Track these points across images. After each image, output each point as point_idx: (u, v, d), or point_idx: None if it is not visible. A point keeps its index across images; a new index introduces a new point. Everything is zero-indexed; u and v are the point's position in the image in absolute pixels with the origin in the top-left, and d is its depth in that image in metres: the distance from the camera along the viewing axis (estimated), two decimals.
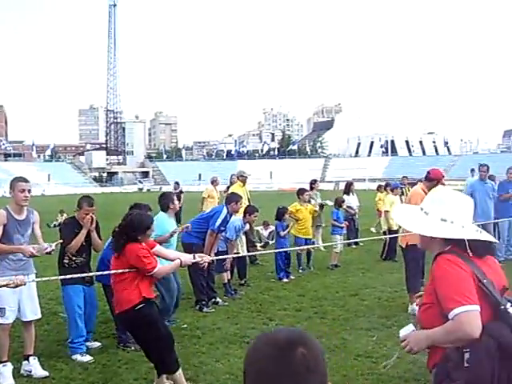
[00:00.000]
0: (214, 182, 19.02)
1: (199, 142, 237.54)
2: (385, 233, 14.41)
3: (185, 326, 8.31)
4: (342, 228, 13.92)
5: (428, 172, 9.23)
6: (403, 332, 3.07)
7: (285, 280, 11.63)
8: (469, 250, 2.84)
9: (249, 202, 14.37)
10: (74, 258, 7.02)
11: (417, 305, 3.40)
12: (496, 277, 2.90)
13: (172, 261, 6.00)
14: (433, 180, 8.99)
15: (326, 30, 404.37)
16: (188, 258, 6.07)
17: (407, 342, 2.98)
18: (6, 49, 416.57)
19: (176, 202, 8.93)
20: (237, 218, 10.79)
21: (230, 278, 10.64)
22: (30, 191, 6.39)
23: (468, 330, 2.66)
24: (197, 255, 6.20)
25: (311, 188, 15.35)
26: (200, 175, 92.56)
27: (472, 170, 23.38)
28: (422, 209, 3.05)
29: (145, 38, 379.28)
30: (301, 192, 13.01)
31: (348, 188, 17.49)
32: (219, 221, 9.54)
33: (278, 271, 11.87)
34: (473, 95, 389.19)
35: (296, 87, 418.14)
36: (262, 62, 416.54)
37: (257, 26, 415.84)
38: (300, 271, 12.62)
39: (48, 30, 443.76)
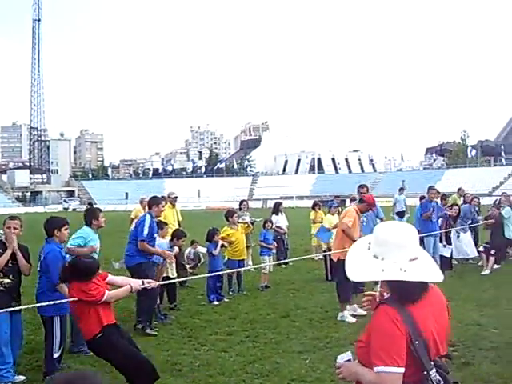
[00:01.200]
0: (142, 203, 18.74)
1: (126, 161, 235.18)
2: (325, 251, 14.44)
3: None
4: (270, 249, 13.94)
5: (363, 196, 10.30)
6: (339, 359, 3.09)
7: (215, 303, 11.52)
8: (411, 301, 2.83)
9: (179, 224, 14.23)
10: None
11: (363, 304, 3.46)
12: (438, 326, 2.91)
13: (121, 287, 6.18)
14: (365, 203, 10.05)
15: (252, 48, 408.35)
16: (138, 284, 6.25)
17: (341, 371, 3.02)
18: None
19: (102, 217, 8.76)
20: (164, 242, 10.75)
21: (159, 302, 10.43)
22: None
23: None
24: (145, 281, 6.39)
25: (240, 208, 15.46)
26: (127, 194, 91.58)
27: (400, 189, 23.67)
28: (369, 243, 2.99)
29: (70, 53, 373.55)
30: (229, 214, 12.97)
31: (277, 208, 17.66)
32: (146, 229, 9.56)
33: (208, 294, 11.74)
34: (396, 113, 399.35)
35: (223, 105, 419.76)
36: (189, 79, 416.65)
37: (183, 42, 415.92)
38: (230, 293, 12.53)
39: None
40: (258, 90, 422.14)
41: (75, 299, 5.83)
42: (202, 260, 16.01)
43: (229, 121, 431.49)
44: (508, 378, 6.69)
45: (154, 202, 10.21)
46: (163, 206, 10.49)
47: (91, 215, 8.69)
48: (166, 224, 11.51)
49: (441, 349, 2.91)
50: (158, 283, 6.93)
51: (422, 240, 14.31)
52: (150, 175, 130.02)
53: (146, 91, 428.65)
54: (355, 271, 2.91)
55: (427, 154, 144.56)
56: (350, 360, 3.06)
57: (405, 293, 2.82)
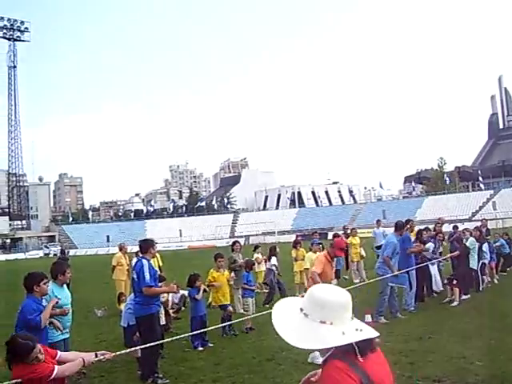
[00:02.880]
0: (122, 249, 18.68)
1: (106, 203, 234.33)
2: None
3: None
4: (252, 291, 13.90)
5: (334, 241, 10.86)
6: None
7: (200, 348, 11.40)
8: (358, 355, 2.77)
9: (160, 269, 14.18)
10: None
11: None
12: (385, 378, 2.91)
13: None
14: (334, 248, 10.58)
15: (228, 84, 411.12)
16: (90, 357, 5.84)
17: None
18: None
19: (68, 273, 8.62)
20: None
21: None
22: None
23: None
24: (99, 353, 5.97)
25: (232, 250, 15.55)
26: (108, 237, 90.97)
27: (377, 221, 23.73)
28: (301, 309, 2.86)
29: (46, 97, 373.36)
30: (216, 257, 12.95)
31: (274, 251, 17.87)
32: (147, 274, 9.40)
33: (193, 340, 11.62)
34: (373, 143, 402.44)
35: (201, 144, 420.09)
36: (166, 118, 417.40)
37: (158, 82, 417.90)
38: (225, 335, 12.40)
39: None
40: (235, 127, 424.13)
41: (19, 381, 5.26)
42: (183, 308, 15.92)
43: (207, 159, 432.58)
44: None
45: (149, 245, 10.05)
46: (155, 250, 10.44)
47: (58, 270, 8.49)
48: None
49: None
50: (112, 354, 6.27)
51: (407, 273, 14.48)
52: (131, 217, 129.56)
53: (123, 132, 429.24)
54: (311, 341, 2.78)
55: (406, 183, 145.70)
56: None
57: (355, 349, 2.76)
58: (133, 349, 9.26)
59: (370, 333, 2.83)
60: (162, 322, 11.09)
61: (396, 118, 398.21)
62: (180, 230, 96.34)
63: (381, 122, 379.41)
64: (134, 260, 11.54)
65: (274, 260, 17.90)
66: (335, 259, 18.25)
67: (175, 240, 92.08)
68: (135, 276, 9.81)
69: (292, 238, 20.44)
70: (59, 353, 5.86)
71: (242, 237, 78.02)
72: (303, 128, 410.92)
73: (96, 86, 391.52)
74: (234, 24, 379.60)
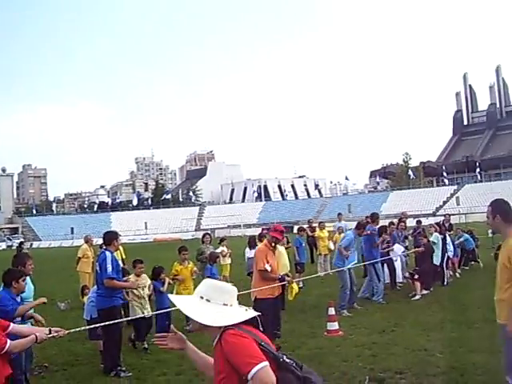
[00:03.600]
0: (88, 241, 18.51)
1: (71, 194, 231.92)
2: None
3: None
4: None
5: (273, 227, 10.76)
6: None
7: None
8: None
9: (123, 262, 14.09)
10: None
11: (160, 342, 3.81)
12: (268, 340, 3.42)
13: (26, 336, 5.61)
14: (270, 236, 10.47)
15: (195, 77, 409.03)
16: (44, 333, 5.67)
17: None
18: None
19: (30, 264, 8.48)
20: None
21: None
22: None
23: (269, 381, 3.09)
24: (52, 329, 5.80)
25: (203, 242, 15.68)
26: (72, 229, 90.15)
27: (339, 214, 23.80)
28: (202, 297, 3.42)
29: (8, 86, 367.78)
30: (180, 250, 12.90)
31: (254, 241, 17.76)
32: (109, 266, 9.36)
33: (157, 333, 11.51)
34: (339, 137, 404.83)
35: (168, 136, 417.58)
36: (132, 109, 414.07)
37: (125, 74, 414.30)
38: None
39: None
40: (202, 120, 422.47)
41: None
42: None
43: (174, 151, 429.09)
44: None
45: (112, 237, 10.02)
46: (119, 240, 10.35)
47: (19, 262, 8.37)
48: (141, 262, 11.52)
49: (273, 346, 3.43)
50: (66, 332, 6.11)
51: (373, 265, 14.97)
52: (96, 209, 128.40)
53: (89, 123, 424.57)
54: (223, 319, 3.33)
55: (371, 177, 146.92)
56: None
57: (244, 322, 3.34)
58: (88, 327, 9.29)
59: (253, 312, 3.43)
60: (149, 312, 11.06)
61: (362, 114, 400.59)
62: (145, 223, 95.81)
63: (347, 117, 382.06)
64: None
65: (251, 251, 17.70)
66: (301, 252, 18.47)
67: (140, 232, 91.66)
68: (98, 268, 9.78)
69: (258, 231, 20.56)
70: (12, 324, 5.77)
71: (207, 230, 77.69)
72: (270, 122, 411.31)
73: (61, 77, 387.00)
74: (200, 16, 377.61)
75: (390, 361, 8.81)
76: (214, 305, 3.39)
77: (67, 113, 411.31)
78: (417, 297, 14.95)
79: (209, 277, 13.54)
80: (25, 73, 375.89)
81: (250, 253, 17.45)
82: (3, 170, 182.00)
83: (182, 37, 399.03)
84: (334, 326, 11.11)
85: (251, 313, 3.44)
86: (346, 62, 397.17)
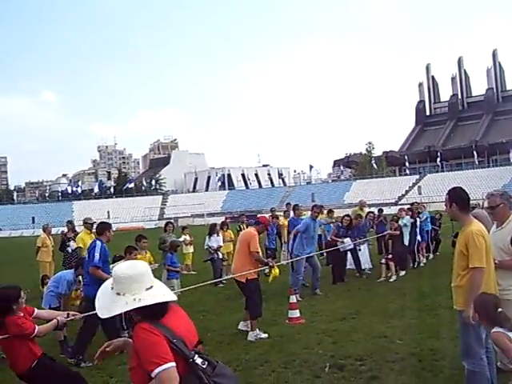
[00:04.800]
0: (46, 230, 18.29)
1: (32, 183, 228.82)
2: None
3: None
4: (177, 272, 13.79)
5: (257, 218, 11.18)
6: None
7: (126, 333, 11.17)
8: (157, 316, 3.35)
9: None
10: None
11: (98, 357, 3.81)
12: (187, 328, 3.51)
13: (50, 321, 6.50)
14: (261, 225, 10.85)
15: (158, 64, 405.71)
16: (63, 317, 6.61)
17: None
18: None
19: None
20: (69, 272, 10.51)
21: (65, 334, 10.09)
22: None
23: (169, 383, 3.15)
24: (70, 313, 6.84)
25: (165, 230, 15.77)
26: (34, 219, 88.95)
27: (287, 204, 23.31)
28: (112, 287, 3.41)
29: None
30: (138, 239, 12.77)
31: (212, 229, 17.73)
32: (97, 255, 9.40)
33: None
34: (303, 127, 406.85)
35: (131, 124, 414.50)
36: (95, 97, 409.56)
37: (90, 60, 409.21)
38: None
39: None
40: (165, 108, 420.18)
41: (5, 336, 6.05)
42: None
43: (137, 140, 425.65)
44: None
45: (105, 228, 10.07)
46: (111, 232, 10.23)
47: None
48: (136, 249, 11.53)
49: (193, 339, 3.50)
50: (81, 315, 7.09)
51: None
52: (58, 198, 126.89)
53: (51, 111, 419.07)
54: (104, 309, 3.37)
55: (335, 167, 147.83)
56: None
57: (151, 313, 3.33)
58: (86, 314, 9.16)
59: (164, 297, 3.40)
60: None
61: (326, 103, 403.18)
62: (108, 212, 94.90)
63: (311, 106, 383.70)
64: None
65: (213, 238, 17.70)
66: (272, 239, 18.68)
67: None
68: (86, 256, 9.89)
69: (221, 220, 20.48)
70: (36, 310, 6.64)
71: (170, 219, 77.31)
72: (234, 110, 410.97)
73: (23, 66, 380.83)
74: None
75: (351, 348, 8.88)
76: (113, 294, 3.37)
77: (29, 101, 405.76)
78: (393, 277, 15.54)
79: (169, 265, 13.52)
80: None
81: (209, 240, 17.48)
82: None
83: (149, 20, 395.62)
84: (296, 313, 11.17)
85: (158, 298, 3.36)
86: (310, 51, 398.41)
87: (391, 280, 15.37)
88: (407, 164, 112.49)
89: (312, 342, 9.40)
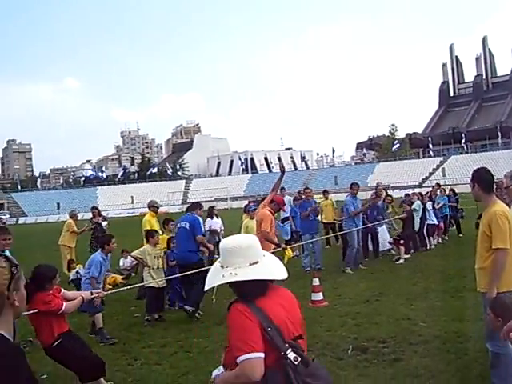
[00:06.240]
0: (73, 216, 18.37)
1: (56, 170, 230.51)
2: None
3: (44, 376, 7.68)
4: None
5: (274, 198, 11.07)
6: (214, 373, 3.36)
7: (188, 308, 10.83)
8: (251, 295, 3.15)
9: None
10: None
11: None
12: (289, 317, 3.23)
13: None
14: (275, 204, 10.91)
15: (182, 48, 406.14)
16: (88, 295, 7.18)
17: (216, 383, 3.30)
18: None
19: (4, 239, 8.22)
20: (97, 253, 10.35)
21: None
22: None
23: (249, 375, 2.97)
24: (94, 291, 7.69)
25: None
26: (58, 205, 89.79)
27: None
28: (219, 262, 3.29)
29: None
30: (166, 222, 12.81)
31: (211, 211, 17.70)
32: (202, 227, 11.24)
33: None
34: (326, 110, 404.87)
35: (154, 109, 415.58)
36: (118, 82, 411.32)
37: (112, 47, 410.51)
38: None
39: None
40: (188, 92, 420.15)
41: (35, 311, 6.31)
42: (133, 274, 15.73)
43: (159, 125, 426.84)
44: (436, 371, 6.85)
45: (196, 206, 11.79)
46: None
47: None
48: (157, 232, 11.93)
49: (294, 332, 3.22)
50: (104, 293, 7.76)
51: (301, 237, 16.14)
52: (82, 183, 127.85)
53: (72, 97, 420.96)
54: (208, 280, 3.27)
55: (358, 149, 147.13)
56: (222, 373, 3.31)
57: (247, 291, 3.15)
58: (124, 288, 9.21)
59: (269, 275, 3.23)
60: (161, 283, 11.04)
61: (349, 85, 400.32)
62: (132, 197, 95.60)
63: (334, 88, 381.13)
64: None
65: (212, 221, 17.69)
66: (297, 221, 18.64)
67: (127, 207, 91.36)
68: (188, 226, 11.15)
69: (244, 203, 20.52)
70: (62, 290, 6.89)
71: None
72: (256, 94, 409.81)
73: (47, 54, 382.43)
74: None
75: (374, 330, 8.86)
76: (218, 266, 3.26)
77: (53, 88, 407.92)
78: (401, 260, 15.77)
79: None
80: (10, 48, 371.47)
81: (210, 222, 17.39)
82: None
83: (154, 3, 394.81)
84: (319, 296, 11.16)
85: (262, 274, 3.16)
86: (333, 34, 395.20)
87: (398, 262, 15.68)
88: (431, 146, 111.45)
89: (335, 325, 9.40)
